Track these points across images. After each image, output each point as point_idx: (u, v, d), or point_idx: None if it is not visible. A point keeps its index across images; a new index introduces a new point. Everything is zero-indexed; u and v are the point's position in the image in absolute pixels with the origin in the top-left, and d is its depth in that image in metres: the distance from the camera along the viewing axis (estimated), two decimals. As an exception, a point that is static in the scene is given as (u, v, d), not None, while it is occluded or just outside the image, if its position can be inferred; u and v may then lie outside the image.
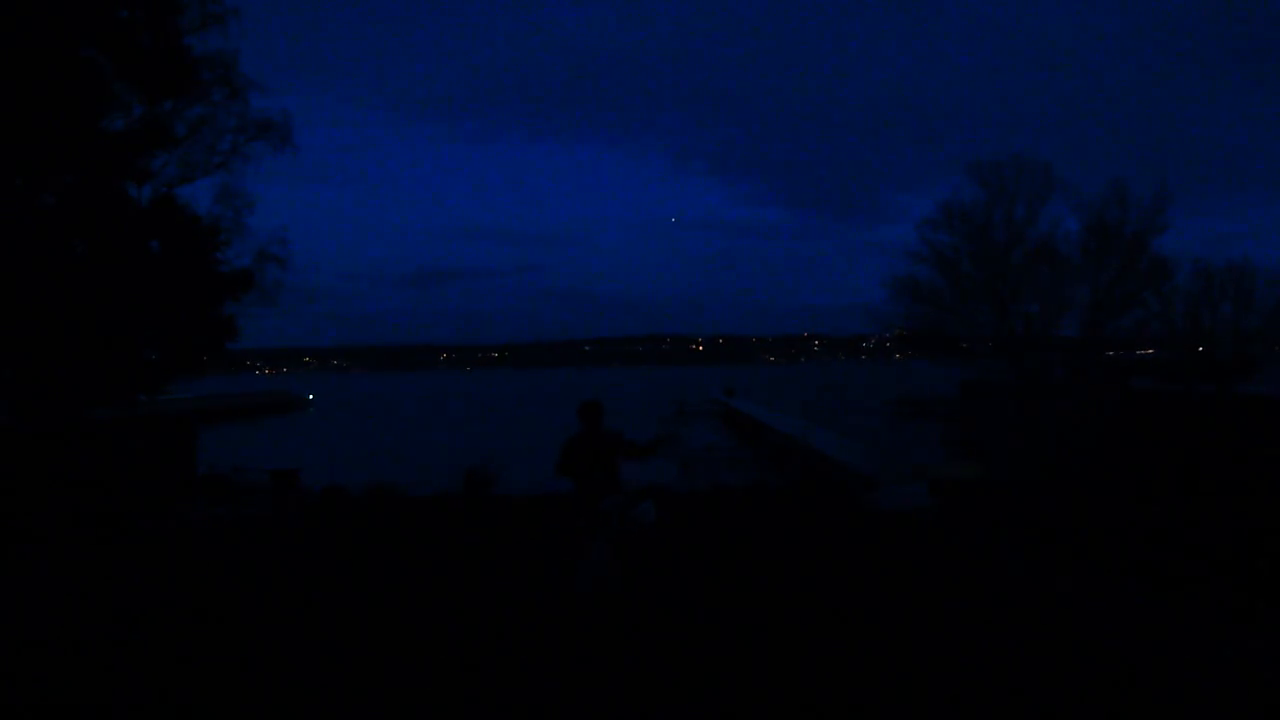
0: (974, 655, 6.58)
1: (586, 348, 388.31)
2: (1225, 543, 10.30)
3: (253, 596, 8.74)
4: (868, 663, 6.43)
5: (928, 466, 18.78)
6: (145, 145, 17.37)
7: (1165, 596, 8.41)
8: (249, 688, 6.20)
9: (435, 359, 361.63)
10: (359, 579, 9.35)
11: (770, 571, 9.35)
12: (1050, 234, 28.08)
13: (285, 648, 7.06)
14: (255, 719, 5.74)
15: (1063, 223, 28.17)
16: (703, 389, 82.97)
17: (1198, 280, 36.90)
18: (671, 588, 8.59)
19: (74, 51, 15.96)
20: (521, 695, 5.95)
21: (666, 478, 19.60)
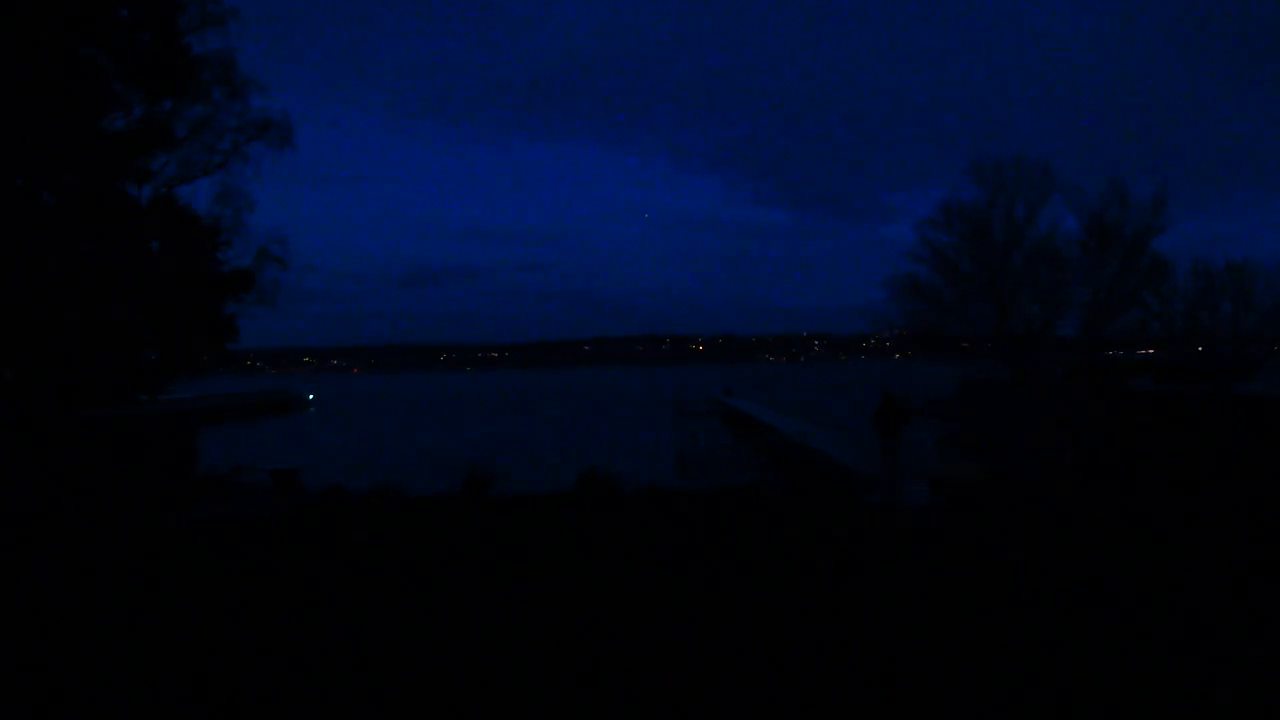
0: (973, 654, 6.59)
1: (586, 348, 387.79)
2: (1224, 542, 10.31)
3: (253, 596, 8.75)
4: (866, 659, 6.44)
5: (927, 466, 18.80)
6: (145, 145, 17.38)
7: (1164, 595, 8.42)
8: (249, 687, 6.20)
9: (435, 359, 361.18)
10: (359, 579, 9.35)
11: (769, 570, 9.35)
12: (1050, 234, 28.15)
13: (285, 647, 7.06)
14: (256, 718, 5.75)
15: (1063, 223, 28.25)
16: (703, 389, 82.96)
17: (1197, 280, 36.97)
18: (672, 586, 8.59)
19: (74, 51, 15.97)
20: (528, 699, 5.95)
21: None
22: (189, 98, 17.88)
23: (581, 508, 14.12)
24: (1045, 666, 6.32)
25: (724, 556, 10.09)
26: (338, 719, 5.71)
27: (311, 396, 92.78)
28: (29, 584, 9.56)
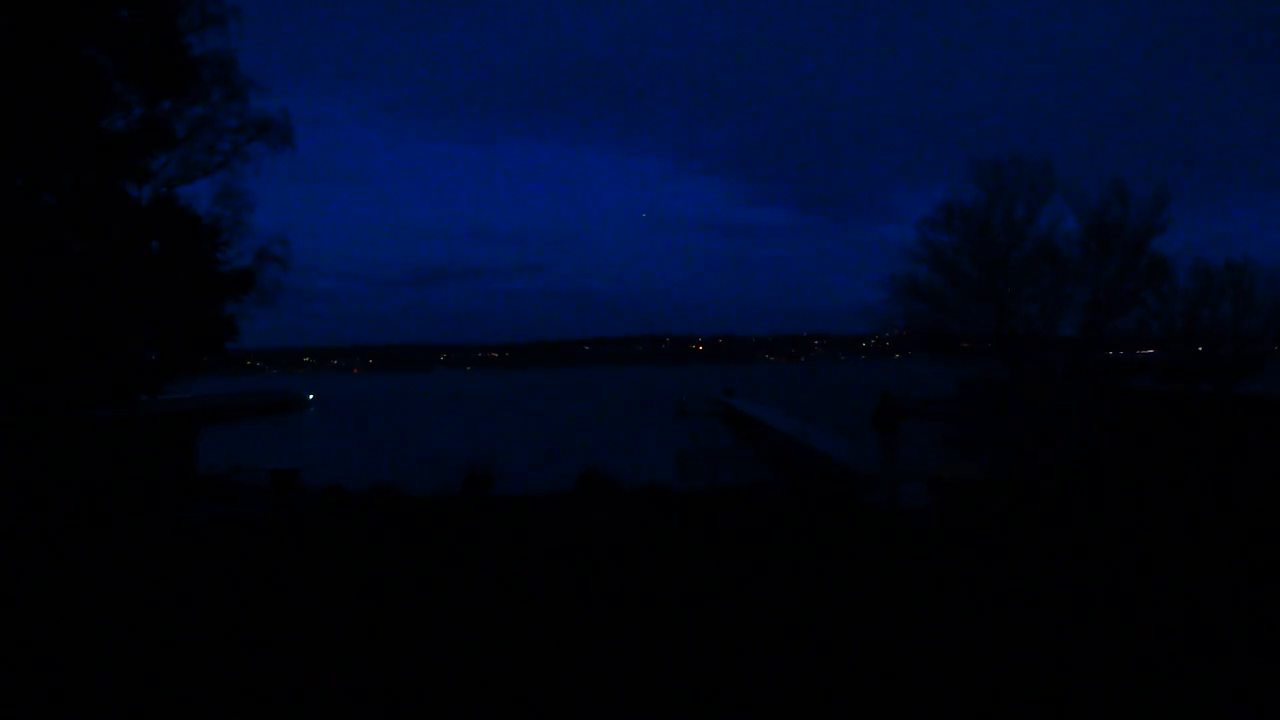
0: (973, 653, 6.58)
1: (586, 348, 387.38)
2: (1226, 541, 10.30)
3: (252, 596, 8.74)
4: (866, 657, 6.44)
5: (927, 466, 18.79)
6: (145, 145, 17.36)
7: (1165, 595, 8.41)
8: (249, 687, 6.20)
9: (435, 359, 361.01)
10: (359, 579, 9.35)
11: (769, 569, 9.34)
12: (1050, 234, 28.03)
13: (285, 647, 7.06)
14: (255, 718, 5.74)
15: (1063, 222, 28.13)
16: (703, 389, 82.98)
17: (1197, 280, 36.87)
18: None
19: (74, 51, 15.95)
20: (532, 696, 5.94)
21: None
22: (189, 98, 17.84)
23: (582, 507, 14.11)
24: (1045, 666, 6.31)
25: (724, 556, 10.09)
26: (337, 719, 5.70)
27: (311, 396, 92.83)
28: (28, 584, 9.55)
